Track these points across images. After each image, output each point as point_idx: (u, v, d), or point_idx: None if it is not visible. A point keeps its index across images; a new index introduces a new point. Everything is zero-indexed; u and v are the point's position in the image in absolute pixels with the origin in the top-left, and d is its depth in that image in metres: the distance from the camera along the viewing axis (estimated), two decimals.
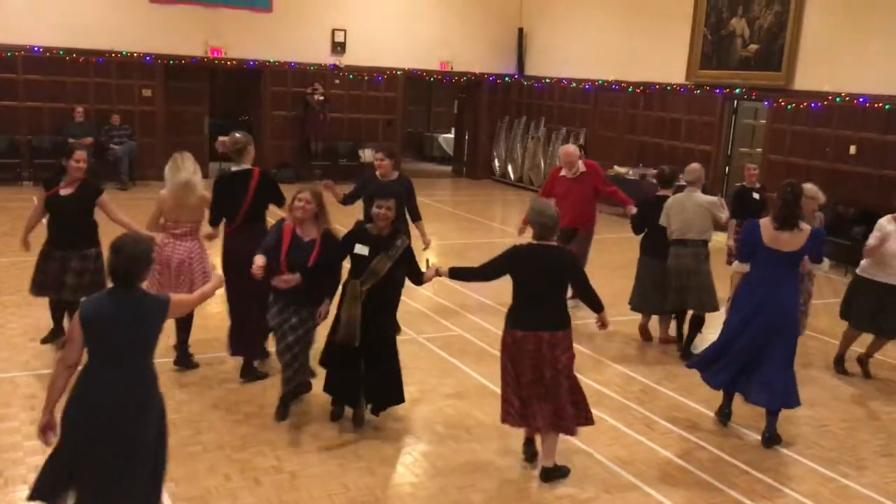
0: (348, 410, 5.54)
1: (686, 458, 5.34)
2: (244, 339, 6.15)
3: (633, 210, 7.61)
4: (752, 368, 5.55)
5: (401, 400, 5.48)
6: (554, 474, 4.89)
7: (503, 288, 5.05)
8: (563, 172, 8.16)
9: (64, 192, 6.25)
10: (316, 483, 4.75)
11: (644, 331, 7.65)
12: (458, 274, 5.07)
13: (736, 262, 5.87)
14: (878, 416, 6.26)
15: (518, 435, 5.18)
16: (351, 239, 5.21)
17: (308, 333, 5.33)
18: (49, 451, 3.67)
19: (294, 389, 5.49)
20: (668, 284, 7.16)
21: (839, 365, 7.15)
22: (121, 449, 3.50)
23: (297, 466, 4.92)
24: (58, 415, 3.60)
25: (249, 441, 5.20)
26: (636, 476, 5.05)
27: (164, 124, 15.52)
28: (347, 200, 7.24)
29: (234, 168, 6.15)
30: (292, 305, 5.25)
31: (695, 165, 7.35)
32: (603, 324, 5.06)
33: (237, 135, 6.19)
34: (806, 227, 5.47)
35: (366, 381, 5.32)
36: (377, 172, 7.07)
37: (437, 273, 5.08)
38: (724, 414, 5.87)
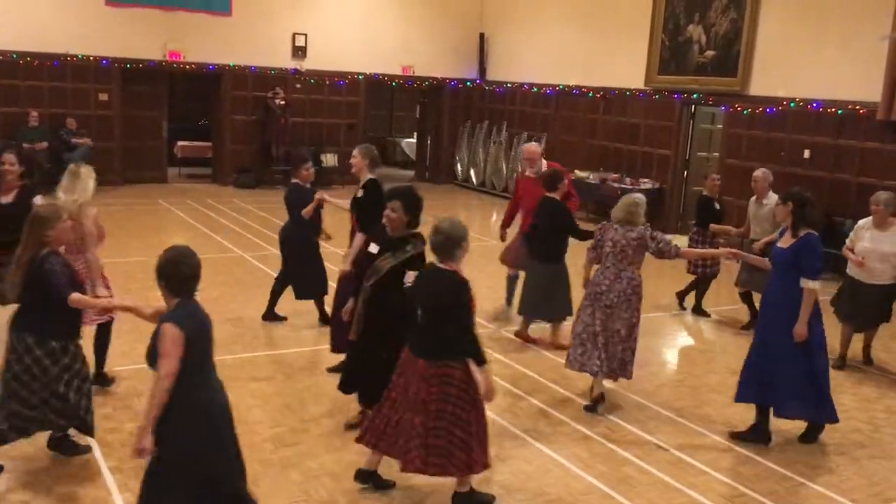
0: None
1: (645, 458, 5.40)
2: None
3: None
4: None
5: (368, 401, 5.18)
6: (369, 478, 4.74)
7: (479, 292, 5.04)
8: (526, 173, 8.05)
9: (4, 199, 6.07)
10: (277, 490, 4.71)
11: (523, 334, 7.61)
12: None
13: (813, 281, 5.43)
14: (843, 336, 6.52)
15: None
16: (369, 239, 5.41)
17: None
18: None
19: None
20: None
21: (840, 362, 7.47)
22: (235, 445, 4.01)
23: (257, 475, 4.86)
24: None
25: None
26: (596, 478, 5.09)
27: (121, 129, 15.29)
28: None
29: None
30: None
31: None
32: (486, 391, 4.37)
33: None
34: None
35: (357, 378, 5.35)
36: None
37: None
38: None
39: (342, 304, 5.75)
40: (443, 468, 4.42)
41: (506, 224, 8.25)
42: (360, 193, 6.47)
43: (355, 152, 6.57)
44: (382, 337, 5.04)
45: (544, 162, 8.09)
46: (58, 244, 4.63)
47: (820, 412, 5.67)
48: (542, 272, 7.26)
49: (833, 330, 7.56)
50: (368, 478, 4.75)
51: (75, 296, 4.50)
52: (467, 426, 4.39)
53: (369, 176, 6.47)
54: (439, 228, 4.45)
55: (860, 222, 7.38)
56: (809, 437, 5.80)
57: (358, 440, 4.75)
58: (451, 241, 4.41)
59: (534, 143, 9.30)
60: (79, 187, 5.60)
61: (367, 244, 5.30)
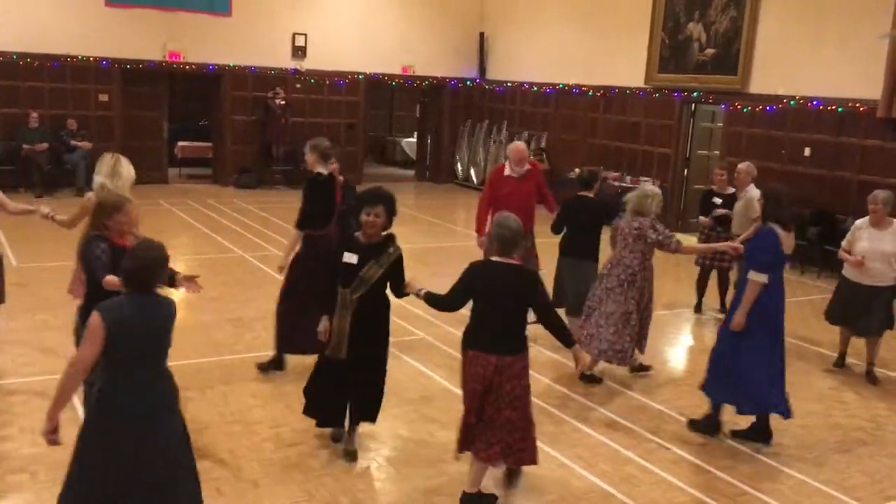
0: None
1: (647, 457, 5.39)
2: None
3: None
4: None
5: (371, 419, 5.16)
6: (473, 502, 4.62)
7: None
8: (507, 172, 7.69)
9: None
10: (279, 491, 4.70)
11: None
12: (431, 301, 4.76)
13: (755, 272, 5.43)
14: (833, 413, 6.38)
15: None
16: (340, 249, 4.97)
17: None
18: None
19: None
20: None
21: (840, 360, 7.41)
22: (161, 452, 3.60)
23: (258, 475, 4.87)
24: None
25: (210, 450, 5.14)
26: (599, 477, 5.08)
27: (121, 129, 15.29)
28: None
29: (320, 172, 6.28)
30: None
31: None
32: (577, 361, 4.73)
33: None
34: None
35: (351, 396, 5.08)
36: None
37: (417, 294, 4.80)
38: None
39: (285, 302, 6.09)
40: (520, 458, 4.59)
41: (484, 230, 7.43)
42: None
43: (306, 149, 6.47)
44: (383, 348, 5.08)
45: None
46: (116, 234, 4.60)
47: (771, 405, 5.62)
48: (579, 269, 7.20)
49: (826, 333, 7.58)
50: (478, 500, 4.62)
51: (109, 278, 4.38)
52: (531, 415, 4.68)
53: (319, 170, 6.32)
54: (506, 225, 4.51)
55: (857, 223, 7.16)
56: (763, 433, 5.70)
57: (460, 450, 4.64)
58: (518, 236, 4.51)
59: (520, 141, 9.08)
60: (123, 174, 5.49)
61: (341, 249, 4.94)
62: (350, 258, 4.88)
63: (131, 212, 4.69)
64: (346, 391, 5.07)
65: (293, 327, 6.23)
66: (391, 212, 4.90)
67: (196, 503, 3.89)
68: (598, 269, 7.00)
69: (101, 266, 4.48)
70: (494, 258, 4.55)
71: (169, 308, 3.69)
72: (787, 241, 5.58)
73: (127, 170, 5.45)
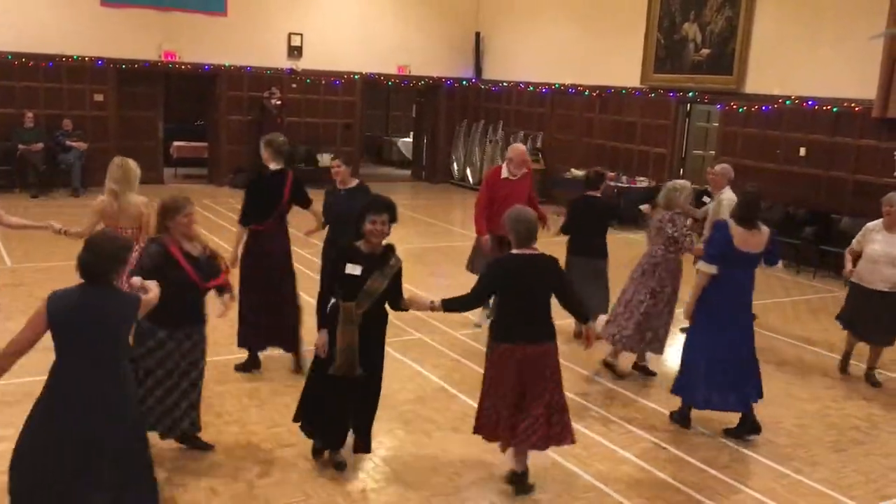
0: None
1: (644, 457, 5.40)
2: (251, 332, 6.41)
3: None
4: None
5: (368, 450, 5.08)
6: (522, 480, 4.81)
7: (459, 291, 5.05)
8: (504, 174, 7.68)
9: None
10: (275, 491, 4.70)
11: (577, 332, 7.64)
12: (452, 305, 4.82)
13: (702, 262, 5.64)
14: (828, 413, 6.39)
15: (473, 439, 5.17)
16: (340, 259, 4.74)
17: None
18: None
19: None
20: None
21: (843, 363, 7.25)
22: (91, 448, 3.46)
23: (255, 476, 4.86)
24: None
25: (205, 452, 5.13)
26: (595, 476, 5.09)
27: (116, 130, 15.26)
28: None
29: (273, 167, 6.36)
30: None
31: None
32: (588, 338, 5.06)
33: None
34: (765, 228, 5.61)
35: (356, 412, 4.90)
36: (336, 180, 6.93)
37: (432, 307, 4.78)
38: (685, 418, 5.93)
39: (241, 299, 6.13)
40: (561, 438, 4.73)
41: (485, 230, 7.58)
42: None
43: (337, 161, 6.75)
44: (381, 366, 4.94)
45: None
46: (178, 236, 4.69)
47: (699, 400, 5.72)
48: (588, 267, 7.35)
49: (822, 332, 7.62)
50: (521, 479, 4.82)
51: (133, 279, 4.28)
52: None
53: (273, 166, 6.46)
54: (524, 217, 4.67)
55: (869, 225, 6.88)
56: (748, 426, 5.74)
57: (488, 440, 4.86)
58: (535, 227, 4.71)
59: (522, 144, 9.08)
60: (130, 178, 5.81)
61: (342, 264, 4.69)
62: (353, 269, 4.65)
63: (192, 214, 4.77)
64: (348, 412, 4.88)
65: (250, 323, 6.37)
66: (393, 219, 4.77)
67: None
68: (607, 267, 7.46)
69: (135, 268, 4.52)
70: (516, 251, 4.69)
71: (122, 305, 3.59)
72: (747, 238, 5.52)
73: (134, 172, 5.84)
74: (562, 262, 7.32)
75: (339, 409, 4.85)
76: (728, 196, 7.76)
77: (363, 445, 4.99)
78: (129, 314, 3.60)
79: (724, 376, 5.58)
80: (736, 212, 5.67)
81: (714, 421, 5.97)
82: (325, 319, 4.77)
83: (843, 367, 7.23)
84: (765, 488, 5.06)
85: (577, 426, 5.77)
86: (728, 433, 5.76)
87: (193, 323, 4.83)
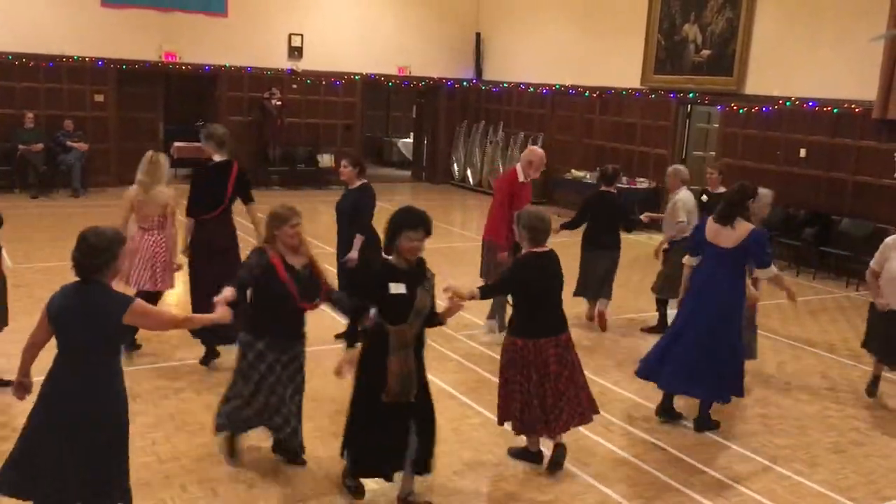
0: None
1: (643, 457, 5.40)
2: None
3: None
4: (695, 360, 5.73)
5: (429, 470, 4.67)
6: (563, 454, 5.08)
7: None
8: (521, 178, 7.58)
9: None
10: (274, 492, 4.70)
11: (590, 315, 8.22)
12: (489, 294, 5.18)
13: (686, 256, 6.09)
14: (828, 414, 6.39)
15: (473, 440, 5.19)
16: (379, 279, 4.38)
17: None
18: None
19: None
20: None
21: (871, 387, 6.65)
22: (65, 442, 3.52)
23: (254, 476, 4.86)
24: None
25: (205, 451, 5.13)
26: (594, 477, 5.09)
27: (116, 130, 15.27)
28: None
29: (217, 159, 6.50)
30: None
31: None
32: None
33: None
34: (744, 226, 5.61)
35: (419, 438, 4.48)
36: (342, 179, 7.11)
37: (472, 296, 4.67)
38: (666, 411, 5.99)
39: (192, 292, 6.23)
40: (585, 416, 5.07)
41: (508, 241, 7.26)
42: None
43: (201, 137, 6.90)
44: (427, 380, 4.61)
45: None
46: (285, 247, 4.62)
47: (650, 373, 6.00)
48: (602, 258, 7.96)
49: (821, 333, 7.62)
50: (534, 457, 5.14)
51: (226, 291, 4.37)
52: None
53: (216, 158, 6.66)
54: (541, 217, 4.89)
55: (887, 240, 6.33)
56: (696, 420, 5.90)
57: (516, 433, 5.06)
58: (549, 226, 4.92)
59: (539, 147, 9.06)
60: (159, 173, 6.42)
61: (381, 283, 4.34)
62: (398, 288, 4.31)
63: (299, 226, 4.64)
64: (406, 437, 4.47)
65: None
66: (429, 233, 4.48)
67: None
68: (618, 259, 8.00)
69: (236, 278, 4.54)
70: (537, 249, 4.87)
71: (109, 303, 3.55)
72: (718, 231, 5.66)
73: (163, 166, 6.52)
74: (576, 254, 7.92)
75: (396, 435, 4.42)
76: (682, 196, 7.83)
77: (425, 466, 4.59)
78: (115, 313, 3.54)
79: (675, 361, 5.75)
80: (719, 211, 5.80)
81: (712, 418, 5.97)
82: (350, 338, 4.44)
83: (872, 391, 6.64)
84: (765, 489, 5.05)
85: (575, 427, 5.78)
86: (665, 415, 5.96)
87: (289, 337, 4.72)
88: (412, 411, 4.43)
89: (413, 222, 4.38)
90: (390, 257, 4.44)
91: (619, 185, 13.29)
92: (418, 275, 4.41)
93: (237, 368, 4.76)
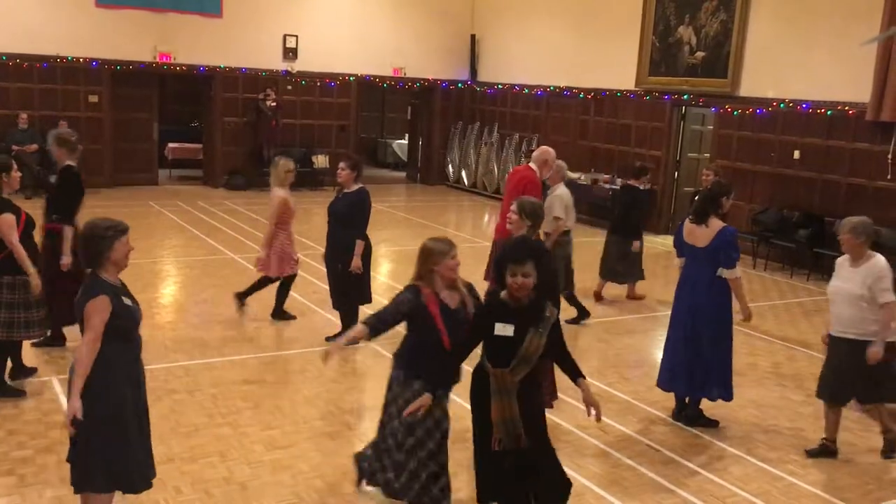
0: None
1: (637, 458, 5.40)
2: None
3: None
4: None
5: (569, 483, 4.26)
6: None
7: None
8: (540, 177, 7.76)
9: None
10: (267, 493, 4.69)
11: (598, 295, 9.07)
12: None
13: (676, 258, 6.16)
14: (823, 415, 6.38)
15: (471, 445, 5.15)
16: (487, 315, 4.02)
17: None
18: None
19: None
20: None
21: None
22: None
23: (248, 477, 4.85)
24: None
25: (199, 452, 5.12)
26: (589, 479, 5.09)
27: (111, 131, 15.24)
28: None
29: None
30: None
31: None
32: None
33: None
34: (716, 223, 5.66)
35: (538, 484, 4.12)
36: (338, 181, 7.10)
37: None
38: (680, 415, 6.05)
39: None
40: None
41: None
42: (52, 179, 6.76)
43: (50, 141, 6.68)
44: (543, 426, 4.20)
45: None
46: (443, 279, 4.20)
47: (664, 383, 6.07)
48: (623, 244, 8.97)
49: (817, 335, 7.57)
50: None
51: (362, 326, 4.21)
52: None
53: (68, 162, 6.50)
54: (539, 204, 5.18)
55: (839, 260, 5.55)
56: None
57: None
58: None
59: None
60: (277, 175, 7.42)
61: (487, 323, 3.96)
62: (505, 330, 3.89)
63: (455, 257, 4.20)
64: (526, 484, 4.10)
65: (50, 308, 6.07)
66: (540, 266, 3.99)
67: None
68: (641, 245, 8.98)
69: (383, 311, 4.22)
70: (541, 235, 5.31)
71: (83, 293, 3.63)
72: (692, 230, 5.75)
73: (281, 169, 7.44)
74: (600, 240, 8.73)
75: (516, 478, 4.06)
76: (560, 193, 7.95)
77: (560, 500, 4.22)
78: (81, 303, 3.60)
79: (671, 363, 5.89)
80: (695, 209, 5.88)
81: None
82: (438, 379, 4.15)
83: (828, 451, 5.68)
84: (760, 491, 5.06)
85: (571, 429, 5.79)
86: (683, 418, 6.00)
87: (436, 383, 4.17)
88: (528, 456, 4.01)
89: (516, 256, 3.93)
90: (503, 293, 4.02)
91: (614, 188, 13.46)
92: (532, 312, 3.93)
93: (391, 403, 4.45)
